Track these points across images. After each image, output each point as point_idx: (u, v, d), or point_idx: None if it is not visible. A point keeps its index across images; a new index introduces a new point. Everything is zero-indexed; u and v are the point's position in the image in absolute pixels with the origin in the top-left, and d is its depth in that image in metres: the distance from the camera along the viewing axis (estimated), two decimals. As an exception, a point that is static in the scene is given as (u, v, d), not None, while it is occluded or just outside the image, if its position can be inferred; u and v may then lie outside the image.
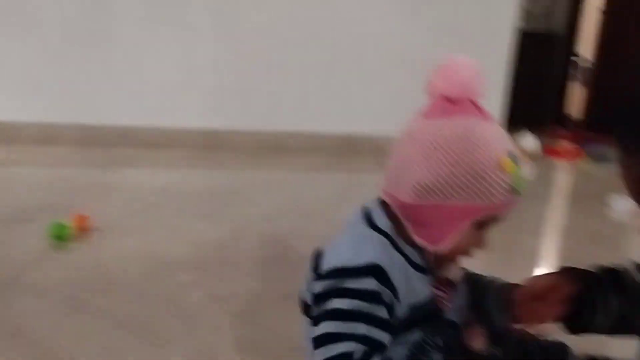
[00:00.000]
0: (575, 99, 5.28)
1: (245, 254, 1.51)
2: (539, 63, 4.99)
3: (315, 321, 0.68)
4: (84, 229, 1.53)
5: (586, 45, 5.27)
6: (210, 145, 2.96)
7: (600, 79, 4.97)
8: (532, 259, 1.72)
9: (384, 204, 0.72)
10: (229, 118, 3.02)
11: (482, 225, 0.68)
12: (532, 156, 3.44)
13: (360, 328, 0.66)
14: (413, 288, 0.70)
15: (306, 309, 0.75)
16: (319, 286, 0.70)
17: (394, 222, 0.71)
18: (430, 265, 0.72)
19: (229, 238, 1.62)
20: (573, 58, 5.39)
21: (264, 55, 3.01)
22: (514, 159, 0.67)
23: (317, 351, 0.66)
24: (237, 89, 3.02)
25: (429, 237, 0.68)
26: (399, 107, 3.09)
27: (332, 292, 0.68)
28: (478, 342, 0.74)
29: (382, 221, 0.71)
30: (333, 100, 3.13)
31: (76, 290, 1.22)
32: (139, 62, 2.86)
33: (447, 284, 0.76)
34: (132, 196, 1.99)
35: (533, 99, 4.97)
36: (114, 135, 2.82)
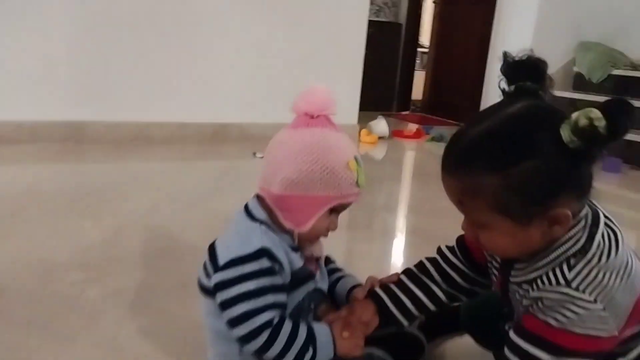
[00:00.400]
0: (419, 84, 5.86)
1: (133, 249, 1.57)
2: (386, 52, 5.45)
3: (227, 305, 0.84)
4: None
5: (427, 35, 5.85)
6: (75, 138, 2.89)
7: (437, 65, 5.58)
8: (389, 233, 2.00)
9: (260, 199, 0.91)
10: (92, 109, 2.96)
11: (334, 211, 0.90)
12: (382, 138, 3.82)
13: (269, 298, 0.84)
14: (291, 260, 0.89)
15: (204, 290, 0.92)
16: (220, 276, 0.86)
17: (268, 212, 0.90)
18: (299, 245, 0.92)
19: (114, 235, 1.67)
20: (417, 47, 5.96)
21: (126, 47, 2.98)
22: (357, 161, 0.89)
23: (239, 328, 0.83)
24: (99, 79, 2.96)
25: (294, 221, 0.88)
26: (260, 96, 3.29)
27: (236, 279, 0.84)
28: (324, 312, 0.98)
29: (260, 213, 0.91)
30: (198, 91, 3.20)
31: (-37, 299, 1.22)
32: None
33: (313, 261, 0.97)
34: (0, 197, 1.92)
35: (382, 86, 5.43)
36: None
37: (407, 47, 5.74)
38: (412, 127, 4.41)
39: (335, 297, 1.03)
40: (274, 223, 0.90)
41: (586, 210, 0.75)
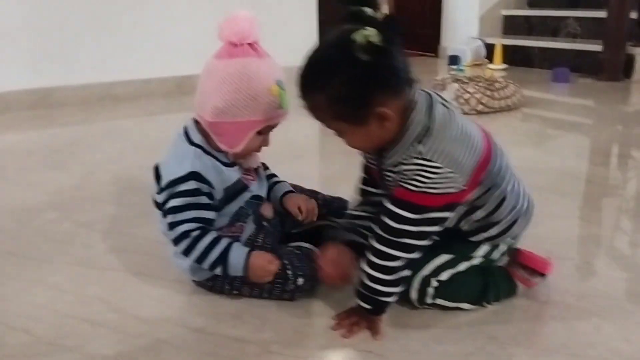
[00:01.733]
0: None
1: (100, 190, 1.75)
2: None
3: (163, 217, 1.04)
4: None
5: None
6: (43, 104, 3.00)
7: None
8: (352, 157, 2.17)
9: (197, 122, 1.06)
10: (57, 75, 3.05)
11: (263, 131, 1.05)
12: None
13: (191, 214, 1.01)
14: (225, 178, 1.05)
15: (155, 203, 1.10)
16: (162, 196, 1.04)
17: (204, 135, 1.05)
18: (235, 161, 1.08)
19: (82, 180, 1.84)
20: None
21: (82, 9, 3.05)
22: (280, 85, 1.01)
23: (169, 235, 1.03)
24: (59, 45, 3.04)
25: (228, 144, 1.04)
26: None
27: (169, 197, 1.03)
28: (268, 211, 1.16)
29: (196, 137, 1.06)
30: (157, 46, 3.29)
31: (-48, 242, 1.39)
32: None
33: (251, 171, 1.13)
34: (-26, 162, 2.08)
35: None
36: None
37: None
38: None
39: (271, 200, 1.21)
40: (209, 144, 1.05)
41: (421, 97, 0.92)
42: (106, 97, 3.15)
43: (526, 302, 1.08)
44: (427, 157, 0.88)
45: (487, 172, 0.95)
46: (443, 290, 0.99)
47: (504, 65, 4.12)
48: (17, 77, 2.94)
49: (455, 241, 1.02)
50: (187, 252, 1.02)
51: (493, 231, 1.02)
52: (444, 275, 0.99)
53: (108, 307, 1.08)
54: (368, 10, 0.84)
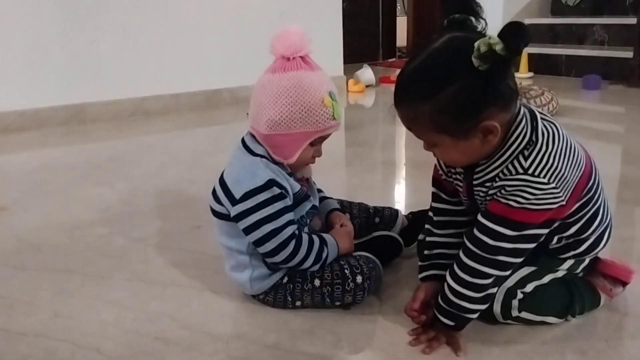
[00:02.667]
0: (403, 30, 5.91)
1: (147, 204, 1.74)
2: (366, 1, 5.49)
3: (252, 229, 1.01)
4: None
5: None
6: (76, 120, 3.02)
7: (418, 8, 5.62)
8: (381, 166, 2.16)
9: (253, 136, 1.05)
10: (89, 90, 3.07)
11: (316, 142, 1.05)
12: (370, 86, 3.94)
13: (287, 217, 1.02)
14: (290, 185, 1.05)
15: (216, 214, 1.09)
16: (240, 208, 1.02)
17: (263, 147, 1.05)
18: (291, 172, 1.08)
19: (128, 195, 1.83)
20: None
21: (111, 25, 3.07)
22: (332, 96, 1.03)
23: (268, 244, 1.01)
24: (90, 61, 3.06)
25: (282, 155, 1.04)
26: (246, 57, 3.39)
27: (255, 207, 1.01)
28: (317, 224, 1.18)
29: (258, 148, 1.06)
30: (186, 60, 3.30)
31: (10, 258, 1.38)
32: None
33: (304, 180, 1.13)
34: (17, 178, 2.08)
35: (366, 36, 5.50)
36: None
37: (387, -5, 5.77)
38: (398, 72, 4.50)
39: (319, 214, 1.20)
40: (270, 156, 1.05)
41: (523, 110, 0.89)
42: (137, 112, 3.17)
43: (607, 315, 1.04)
44: (533, 173, 0.84)
45: (587, 187, 0.92)
46: (528, 302, 0.96)
47: (530, 74, 4.08)
48: (49, 94, 2.96)
49: (540, 254, 0.96)
50: (294, 253, 1.02)
51: (582, 248, 0.98)
52: (529, 287, 0.96)
53: (177, 324, 1.06)
54: (472, 20, 0.82)
